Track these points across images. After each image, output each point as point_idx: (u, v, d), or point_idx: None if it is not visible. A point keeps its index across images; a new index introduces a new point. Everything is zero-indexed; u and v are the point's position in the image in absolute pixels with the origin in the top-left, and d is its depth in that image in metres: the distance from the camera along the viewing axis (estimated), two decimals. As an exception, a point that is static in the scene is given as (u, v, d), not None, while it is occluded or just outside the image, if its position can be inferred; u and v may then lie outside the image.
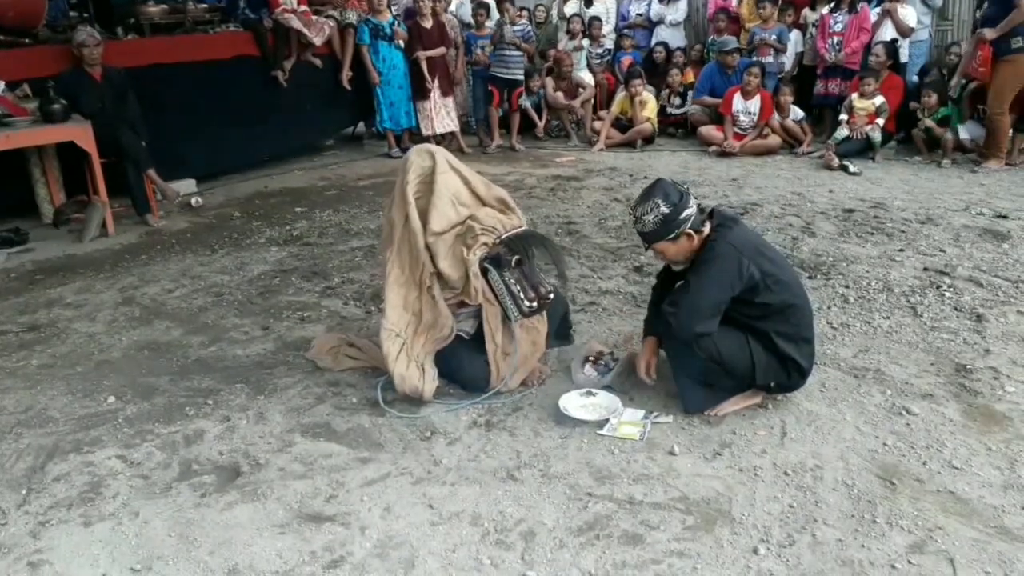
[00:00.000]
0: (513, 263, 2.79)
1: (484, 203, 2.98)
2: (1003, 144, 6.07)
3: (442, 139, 7.83)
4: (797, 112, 7.14)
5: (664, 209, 2.47)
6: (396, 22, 7.63)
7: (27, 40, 5.92)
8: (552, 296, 2.90)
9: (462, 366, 2.91)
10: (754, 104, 7.04)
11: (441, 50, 7.56)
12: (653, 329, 2.85)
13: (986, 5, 5.95)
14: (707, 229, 2.55)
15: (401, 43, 7.52)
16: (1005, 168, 6.03)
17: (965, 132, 6.64)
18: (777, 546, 2.05)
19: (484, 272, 2.80)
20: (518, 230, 2.92)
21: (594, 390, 2.81)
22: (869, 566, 1.97)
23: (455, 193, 2.90)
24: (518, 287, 2.79)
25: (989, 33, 5.75)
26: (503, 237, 2.84)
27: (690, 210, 2.49)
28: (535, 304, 2.82)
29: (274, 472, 2.47)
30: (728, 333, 2.54)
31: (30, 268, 4.68)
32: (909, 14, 6.91)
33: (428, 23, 7.49)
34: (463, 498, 2.30)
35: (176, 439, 2.69)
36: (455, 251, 2.83)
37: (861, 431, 2.56)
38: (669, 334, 2.60)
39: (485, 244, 2.82)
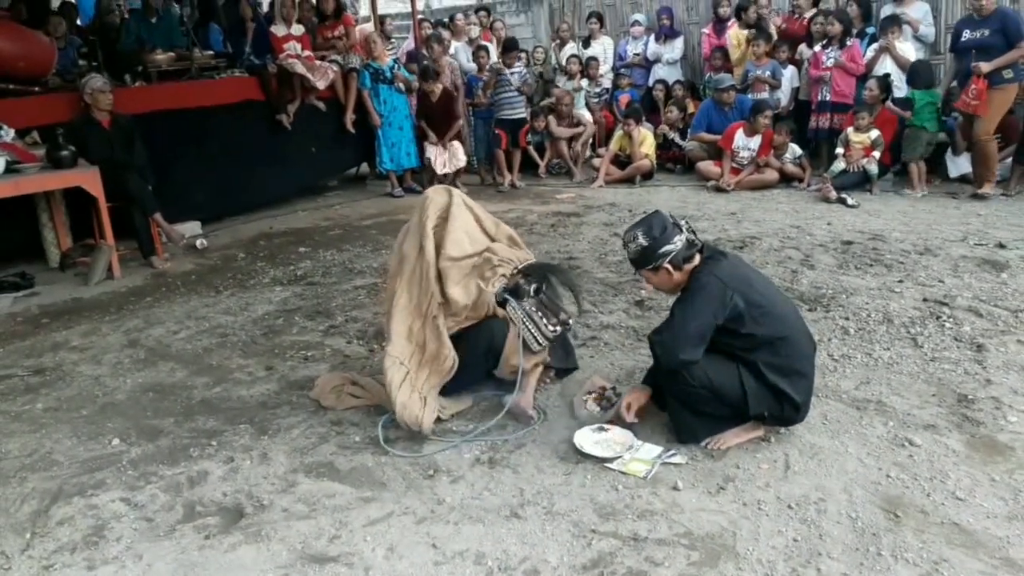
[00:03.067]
0: (532, 291, 2.84)
1: (494, 239, 3.10)
2: (994, 166, 6.16)
3: (444, 177, 7.92)
4: (796, 150, 7.21)
5: (643, 241, 2.59)
6: (396, 65, 7.79)
7: (37, 88, 6.06)
8: (571, 321, 2.95)
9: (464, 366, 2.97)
10: (755, 141, 7.13)
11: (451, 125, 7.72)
12: (651, 381, 2.89)
13: (974, 33, 5.97)
14: (692, 265, 2.61)
15: (401, 86, 7.67)
16: (1002, 197, 6.08)
17: (955, 168, 6.71)
18: (782, 581, 2.04)
19: (503, 303, 2.85)
20: (533, 261, 3.04)
21: (606, 425, 2.82)
22: (875, 600, 1.96)
23: (468, 227, 3.02)
24: (540, 314, 2.83)
25: (985, 67, 5.80)
26: (520, 267, 2.94)
27: (671, 246, 2.56)
28: (557, 328, 2.85)
29: (278, 513, 2.47)
30: (719, 362, 2.58)
31: (36, 312, 4.73)
32: (908, 48, 7.02)
33: (435, 97, 7.60)
34: (467, 537, 2.30)
35: (180, 481, 2.69)
36: (469, 281, 2.91)
37: (864, 463, 2.55)
38: (657, 363, 2.64)
39: (503, 276, 2.89)
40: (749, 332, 2.53)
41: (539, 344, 2.86)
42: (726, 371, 2.58)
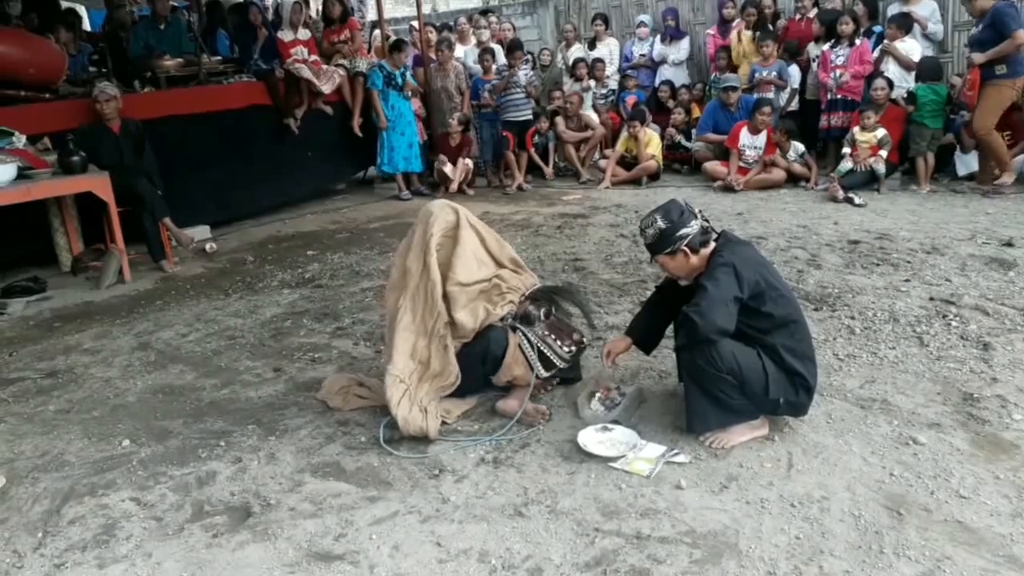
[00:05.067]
0: (542, 316, 2.91)
1: (499, 262, 3.10)
2: (1005, 156, 6.17)
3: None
4: (798, 147, 7.20)
5: (661, 225, 2.65)
6: (407, 72, 7.84)
7: (47, 95, 6.13)
8: (585, 340, 3.04)
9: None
10: (760, 139, 7.12)
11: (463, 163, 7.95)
12: (634, 331, 3.02)
13: (977, 28, 6.08)
14: (708, 249, 2.68)
15: (409, 93, 7.73)
16: (1012, 191, 6.05)
17: (963, 166, 6.69)
18: (784, 578, 2.04)
19: (513, 331, 2.94)
20: (539, 285, 3.09)
21: (610, 425, 2.83)
22: (877, 597, 1.96)
23: (476, 250, 3.04)
24: (553, 337, 2.92)
25: (978, 57, 5.93)
26: (528, 293, 3.01)
27: (688, 229, 2.63)
28: (572, 348, 2.98)
29: (284, 512, 2.50)
30: (743, 347, 2.63)
31: (48, 316, 4.78)
32: (912, 48, 7.00)
33: (455, 141, 7.85)
34: (471, 535, 2.32)
35: (189, 480, 2.73)
36: (476, 306, 2.94)
37: (868, 462, 2.56)
38: (691, 337, 2.61)
39: (511, 302, 2.95)
40: (768, 311, 2.59)
41: (555, 366, 2.95)
42: (751, 356, 2.62)
